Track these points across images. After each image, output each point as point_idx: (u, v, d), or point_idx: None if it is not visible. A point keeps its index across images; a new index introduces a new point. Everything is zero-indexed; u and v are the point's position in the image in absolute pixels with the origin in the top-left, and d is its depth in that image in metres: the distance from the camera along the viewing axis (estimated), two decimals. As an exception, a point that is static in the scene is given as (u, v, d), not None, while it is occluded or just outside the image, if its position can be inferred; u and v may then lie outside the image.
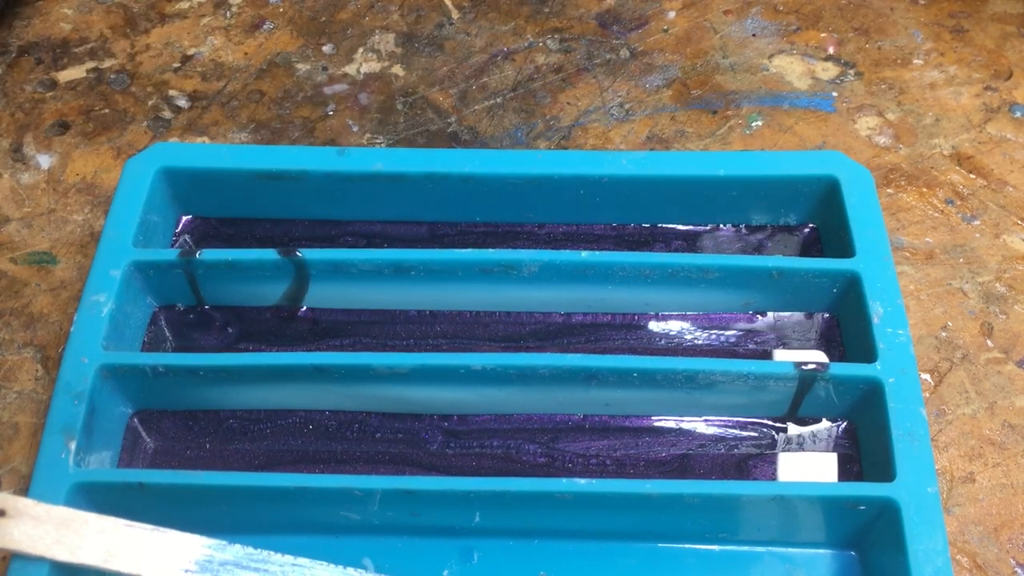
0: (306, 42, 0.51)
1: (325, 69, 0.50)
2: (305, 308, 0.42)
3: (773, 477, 0.38)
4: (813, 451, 0.38)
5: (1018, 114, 0.48)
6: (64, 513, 0.33)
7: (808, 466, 0.38)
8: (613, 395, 0.38)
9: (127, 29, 0.52)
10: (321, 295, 0.41)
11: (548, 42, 0.51)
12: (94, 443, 0.37)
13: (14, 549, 0.33)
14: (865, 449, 0.38)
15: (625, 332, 0.41)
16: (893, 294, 0.39)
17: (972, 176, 0.46)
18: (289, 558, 0.34)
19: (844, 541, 0.37)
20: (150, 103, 0.49)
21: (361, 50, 0.51)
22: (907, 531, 0.34)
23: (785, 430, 0.39)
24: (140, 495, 0.35)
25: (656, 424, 0.39)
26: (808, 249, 0.43)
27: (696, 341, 0.41)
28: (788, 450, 0.38)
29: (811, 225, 0.43)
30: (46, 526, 0.33)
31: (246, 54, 0.51)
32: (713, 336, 0.41)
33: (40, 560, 0.33)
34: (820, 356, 0.40)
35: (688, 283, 0.40)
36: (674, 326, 0.41)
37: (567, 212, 0.43)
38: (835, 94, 0.49)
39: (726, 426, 0.39)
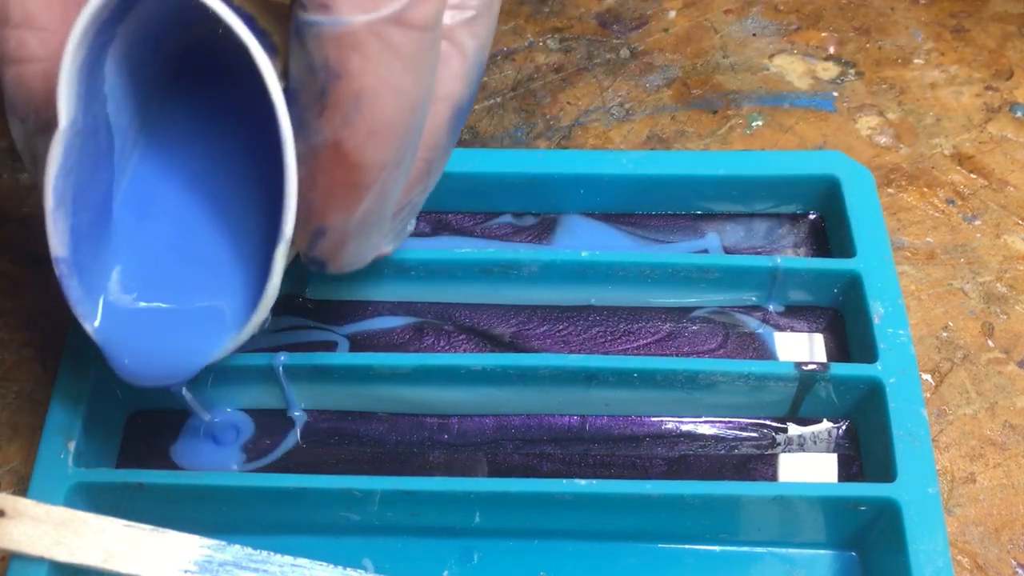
0: (306, 42, 0.51)
1: (325, 69, 0.50)
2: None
3: (773, 477, 0.38)
4: (814, 451, 0.38)
5: (1019, 114, 0.48)
6: (64, 513, 0.33)
7: (808, 466, 0.38)
8: (613, 395, 0.38)
9: (127, 29, 0.52)
10: (320, 295, 0.41)
11: (548, 42, 0.51)
12: (94, 443, 0.37)
13: (13, 549, 0.33)
14: (866, 449, 0.38)
15: (625, 336, 0.41)
16: (894, 294, 0.39)
17: (973, 176, 0.46)
18: (289, 558, 0.33)
19: (845, 541, 0.37)
20: (150, 103, 0.49)
21: (361, 50, 0.51)
22: (908, 531, 0.34)
23: (785, 430, 0.39)
24: (140, 495, 0.35)
25: (656, 424, 0.39)
26: (808, 250, 0.43)
27: (696, 341, 0.41)
28: (788, 450, 0.38)
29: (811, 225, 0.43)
30: (45, 526, 0.33)
31: (246, 54, 0.51)
32: (713, 336, 0.41)
33: (40, 560, 0.33)
34: (820, 356, 0.40)
35: (688, 283, 0.40)
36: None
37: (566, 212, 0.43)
38: (835, 94, 0.49)
39: (726, 427, 0.39)
